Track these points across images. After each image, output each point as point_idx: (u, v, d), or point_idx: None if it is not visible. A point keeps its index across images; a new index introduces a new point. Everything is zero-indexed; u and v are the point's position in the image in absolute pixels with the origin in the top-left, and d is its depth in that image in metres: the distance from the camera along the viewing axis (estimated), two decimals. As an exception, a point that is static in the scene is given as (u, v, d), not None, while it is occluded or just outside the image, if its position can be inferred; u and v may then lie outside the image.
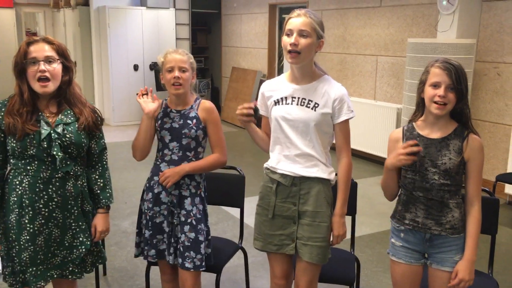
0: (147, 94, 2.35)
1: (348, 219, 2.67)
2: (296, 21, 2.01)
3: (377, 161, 6.18)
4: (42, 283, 2.05)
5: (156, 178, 2.36)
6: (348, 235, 2.71)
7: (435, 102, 1.91)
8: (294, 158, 2.12)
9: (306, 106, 2.08)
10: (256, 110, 2.09)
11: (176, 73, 2.27)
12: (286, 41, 2.02)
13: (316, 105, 2.07)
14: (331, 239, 2.13)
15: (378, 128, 6.07)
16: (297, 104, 2.10)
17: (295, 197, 2.12)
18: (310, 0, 7.30)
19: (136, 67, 8.53)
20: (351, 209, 2.63)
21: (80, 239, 2.11)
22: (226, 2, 9.48)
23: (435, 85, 1.92)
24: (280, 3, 8.03)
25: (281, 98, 2.13)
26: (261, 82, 2.37)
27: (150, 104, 2.31)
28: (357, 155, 6.54)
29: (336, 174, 2.17)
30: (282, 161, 2.15)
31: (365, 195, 5.01)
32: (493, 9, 4.95)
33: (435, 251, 2.00)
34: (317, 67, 2.15)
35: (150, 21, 8.55)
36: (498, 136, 5.03)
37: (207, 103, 2.40)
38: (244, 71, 8.90)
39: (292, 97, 2.11)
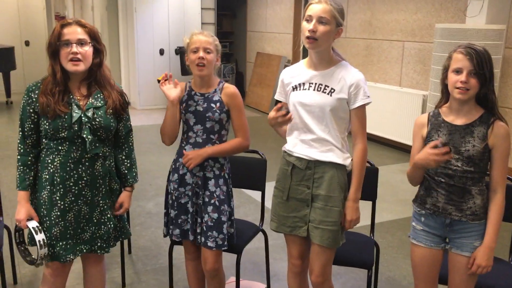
0: (167, 79, 2.38)
1: (368, 204, 2.69)
2: (316, 7, 2.02)
3: (402, 148, 6.13)
4: (71, 257, 2.14)
5: (181, 160, 2.41)
6: (368, 220, 2.75)
7: (458, 88, 1.90)
8: (310, 142, 2.14)
9: (323, 92, 2.10)
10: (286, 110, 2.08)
11: (201, 53, 2.30)
12: (305, 26, 2.03)
13: (332, 90, 2.08)
14: (345, 223, 2.15)
15: (403, 115, 6.01)
16: (314, 90, 2.11)
17: (309, 181, 2.15)
18: (337, -15, 7.20)
19: (162, 52, 8.61)
20: (371, 195, 2.65)
21: (108, 215, 2.20)
22: (252, -13, 9.45)
23: (457, 71, 1.91)
24: (306, -12, 7.96)
25: (299, 84, 2.15)
26: (286, 67, 2.38)
27: (173, 91, 2.34)
28: (382, 142, 6.50)
29: (352, 160, 2.18)
30: (298, 144, 2.17)
31: (388, 182, 4.99)
32: (525, -6, 4.82)
33: (455, 236, 2.01)
34: (335, 52, 2.15)
35: (175, 5, 8.60)
36: (526, 124, 4.93)
37: (231, 88, 2.42)
38: (268, 56, 8.89)
39: (310, 83, 2.13)
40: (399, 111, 6.05)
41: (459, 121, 1.98)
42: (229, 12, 10.31)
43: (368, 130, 7.00)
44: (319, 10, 2.01)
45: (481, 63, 1.88)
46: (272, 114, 2.10)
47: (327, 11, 2.01)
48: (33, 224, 2.08)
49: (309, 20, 2.03)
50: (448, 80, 1.96)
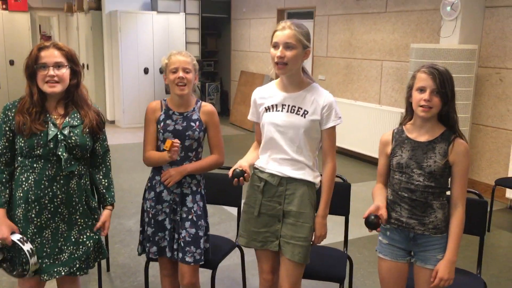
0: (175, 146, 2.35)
1: (341, 219, 2.76)
2: (281, 33, 2.10)
3: (381, 165, 6.23)
4: (45, 277, 2.13)
5: (157, 177, 2.46)
6: (342, 236, 2.81)
7: (421, 106, 1.99)
8: (282, 161, 2.21)
9: (296, 113, 2.17)
10: (236, 175, 2.12)
11: (181, 73, 2.37)
12: (273, 53, 2.11)
13: (306, 112, 2.16)
14: (313, 239, 2.22)
15: (382, 132, 6.09)
16: (287, 111, 2.18)
17: (281, 197, 2.21)
18: (317, 6, 7.39)
19: (146, 70, 8.69)
20: (344, 210, 2.72)
21: (87, 234, 2.21)
22: (236, 7, 9.61)
23: (421, 90, 2.00)
24: (288, 8, 8.13)
25: (272, 105, 2.22)
26: (257, 88, 2.45)
27: (177, 153, 2.35)
28: (362, 158, 6.61)
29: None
30: (270, 162, 2.24)
31: (368, 197, 5.05)
32: (496, 15, 5.00)
33: (419, 249, 2.08)
34: (305, 74, 2.23)
35: (160, 25, 8.71)
36: (500, 141, 5.06)
37: (208, 106, 2.50)
38: (252, 75, 9.01)
39: (283, 105, 2.20)
40: (379, 128, 6.17)
41: (422, 138, 2.07)
42: (214, 31, 10.45)
43: (349, 147, 7.10)
44: (284, 36, 2.09)
45: (443, 82, 1.97)
46: (234, 183, 2.13)
47: (292, 36, 2.09)
48: (17, 236, 2.07)
49: (276, 46, 2.11)
50: (412, 98, 2.05)
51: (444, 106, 2.01)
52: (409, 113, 2.13)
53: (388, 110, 6.10)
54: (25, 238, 2.09)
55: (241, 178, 2.11)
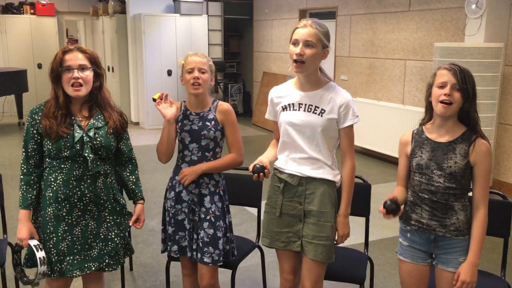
0: (163, 99, 2.45)
1: (362, 220, 2.75)
2: (302, 31, 2.10)
3: (405, 165, 6.15)
4: (78, 272, 2.20)
5: (177, 177, 2.49)
6: (362, 237, 2.79)
7: (441, 102, 1.96)
8: (301, 160, 2.21)
9: (313, 112, 2.17)
10: (256, 171, 2.12)
11: (196, 73, 2.40)
12: (293, 50, 2.11)
13: (323, 111, 2.16)
14: (336, 238, 2.21)
15: (406, 132, 6.05)
16: (304, 110, 2.18)
17: (301, 197, 2.21)
18: (339, 6, 7.35)
19: (169, 72, 8.79)
20: (364, 211, 2.70)
21: (115, 231, 2.28)
22: (258, 8, 9.64)
23: (441, 86, 1.98)
24: (310, 9, 8.10)
25: (289, 105, 2.22)
26: (274, 87, 2.47)
27: (169, 110, 2.43)
28: (385, 159, 6.54)
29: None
30: (289, 162, 2.24)
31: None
32: (523, 12, 4.89)
33: (441, 251, 2.05)
34: (323, 73, 2.22)
35: (183, 27, 8.80)
36: (528, 141, 4.94)
37: (224, 105, 2.51)
38: (274, 76, 9.01)
39: (299, 104, 2.20)
40: (402, 128, 6.10)
41: (441, 138, 2.04)
42: (236, 33, 10.50)
43: (372, 147, 7.05)
44: (305, 33, 2.09)
45: (464, 78, 1.95)
46: (254, 178, 2.13)
47: (313, 35, 2.09)
48: (34, 242, 2.14)
49: (295, 44, 2.11)
50: (432, 96, 2.03)
51: (465, 103, 1.97)
52: (429, 112, 2.10)
53: (411, 110, 6.02)
54: (41, 246, 2.14)
55: (261, 173, 2.11)
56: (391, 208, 2.01)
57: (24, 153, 2.22)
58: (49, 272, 2.18)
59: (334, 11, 7.49)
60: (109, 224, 2.26)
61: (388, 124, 6.32)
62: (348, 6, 7.19)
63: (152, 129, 8.74)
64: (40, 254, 2.11)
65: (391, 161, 6.40)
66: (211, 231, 2.42)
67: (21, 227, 2.17)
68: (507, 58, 5.02)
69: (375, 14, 6.72)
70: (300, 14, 8.23)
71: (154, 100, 2.45)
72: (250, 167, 2.14)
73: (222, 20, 9.63)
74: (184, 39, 8.83)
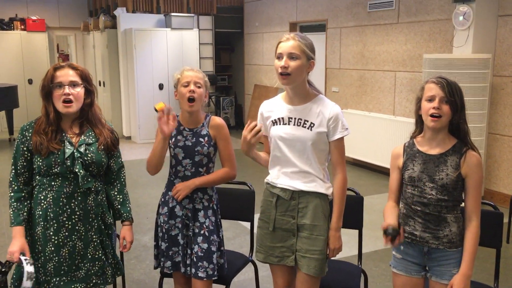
0: (164, 113, 2.35)
1: (355, 232, 2.74)
2: (286, 44, 2.11)
3: (397, 176, 6.17)
4: None
5: (170, 193, 2.48)
6: (356, 249, 2.79)
7: (431, 116, 1.98)
8: (292, 174, 2.21)
9: (303, 126, 2.17)
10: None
11: (192, 86, 2.40)
12: (277, 64, 2.13)
13: (312, 124, 2.16)
14: (328, 252, 2.20)
15: (398, 143, 6.05)
16: (294, 124, 2.19)
17: (294, 211, 2.21)
18: (329, 19, 7.42)
19: (161, 86, 8.80)
20: (357, 223, 2.70)
21: (101, 250, 2.25)
22: (248, 22, 9.70)
23: (430, 99, 1.99)
24: (300, 22, 8.17)
25: (279, 119, 2.23)
26: (264, 101, 2.47)
27: (170, 127, 2.34)
28: (377, 170, 6.56)
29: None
30: (281, 176, 2.24)
31: (381, 209, 5.00)
32: (509, 24, 4.96)
33: (434, 264, 2.05)
34: (311, 87, 2.23)
35: (174, 41, 8.83)
36: (518, 150, 4.99)
37: (217, 120, 2.51)
38: (266, 88, 9.05)
39: (289, 118, 2.20)
40: (394, 139, 6.14)
41: (433, 150, 2.05)
42: (227, 46, 10.55)
43: (364, 159, 7.06)
44: (289, 46, 2.11)
45: (451, 91, 1.97)
46: (245, 134, 2.12)
47: (296, 47, 2.10)
48: (25, 256, 2.09)
49: (280, 57, 2.13)
50: (421, 110, 2.04)
51: (454, 116, 1.99)
52: (419, 125, 2.12)
53: (402, 121, 6.06)
54: (32, 262, 2.09)
55: (258, 130, 2.10)
56: (394, 234, 1.98)
57: (13, 171, 2.20)
58: (47, 277, 2.13)
59: (324, 24, 7.56)
60: (95, 243, 2.23)
61: (379, 135, 6.36)
62: (337, 19, 7.26)
63: (144, 143, 8.71)
64: (29, 268, 2.04)
65: (383, 172, 6.42)
66: (205, 246, 2.41)
67: (14, 242, 2.12)
68: (495, 68, 5.09)
69: (364, 26, 6.79)
70: (290, 27, 8.30)
71: (156, 110, 2.35)
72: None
73: (213, 34, 9.68)
74: (175, 53, 8.85)
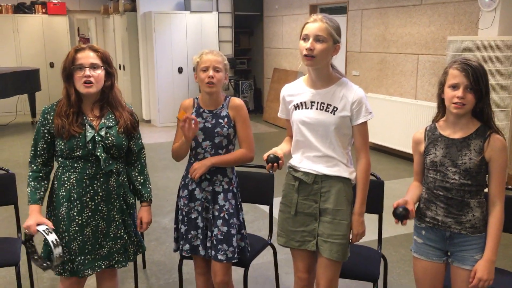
0: (186, 122, 2.33)
1: (375, 217, 2.72)
2: (313, 26, 2.07)
3: (418, 161, 6.10)
4: (89, 272, 2.22)
5: (190, 176, 2.49)
6: (376, 234, 2.77)
7: (454, 103, 1.93)
8: (315, 159, 2.19)
9: (326, 110, 2.14)
10: (270, 160, 2.13)
11: (211, 72, 2.38)
12: (303, 45, 2.08)
13: (335, 108, 2.13)
14: (351, 237, 2.19)
15: (419, 127, 5.97)
16: (317, 109, 2.16)
17: (317, 195, 2.19)
18: (350, 0, 7.29)
19: (180, 70, 8.80)
20: (377, 208, 2.67)
21: (124, 229, 2.30)
22: (268, 4, 9.60)
23: (454, 87, 1.94)
24: (320, 4, 8.05)
25: (301, 103, 2.20)
26: (286, 84, 2.45)
27: (191, 132, 2.33)
28: (398, 155, 6.49)
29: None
30: (304, 160, 2.22)
31: (402, 195, 4.95)
32: (538, 4, 4.80)
33: (456, 249, 2.02)
34: (334, 69, 2.19)
35: (193, 24, 8.80)
36: (544, 135, 4.86)
37: (236, 101, 2.50)
38: (285, 72, 8.98)
39: (312, 102, 2.17)
40: (415, 124, 6.04)
41: (455, 134, 2.01)
42: (246, 29, 10.47)
43: (384, 143, 6.98)
44: (315, 28, 2.06)
45: (477, 78, 1.90)
46: (268, 168, 2.15)
47: (323, 29, 2.06)
48: (43, 227, 2.12)
49: (306, 39, 2.08)
50: (444, 95, 1.99)
51: (479, 103, 1.94)
52: (442, 109, 2.07)
53: (424, 105, 5.96)
54: (50, 230, 2.11)
55: (275, 164, 2.11)
56: (402, 215, 1.98)
57: (32, 152, 2.24)
58: (66, 254, 2.17)
59: (345, 5, 7.43)
60: (117, 223, 2.27)
61: (400, 120, 6.27)
62: (359, 0, 7.13)
63: (164, 126, 8.76)
64: (51, 237, 2.08)
65: (404, 157, 6.34)
66: (224, 229, 2.42)
67: (30, 218, 2.15)
68: (522, 51, 4.93)
69: (386, 8, 6.65)
70: (310, 9, 8.18)
71: (178, 119, 2.37)
72: (265, 156, 2.14)
73: (232, 17, 9.61)
74: (194, 36, 8.83)
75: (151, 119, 9.17)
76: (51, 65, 10.36)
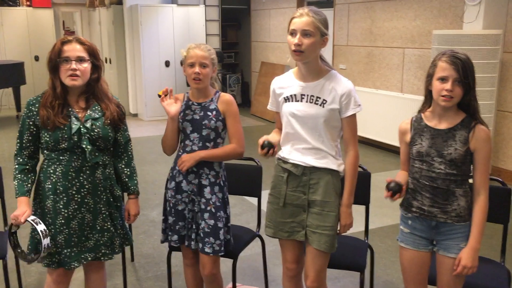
0: (167, 95, 2.44)
1: (362, 208, 2.75)
2: (299, 20, 2.07)
3: (404, 154, 6.16)
4: (76, 264, 2.22)
5: (178, 167, 2.49)
6: (362, 225, 2.80)
7: (443, 96, 1.96)
8: (304, 151, 2.21)
9: (315, 103, 2.15)
10: (266, 146, 2.19)
11: (197, 68, 2.38)
12: (290, 41, 2.09)
13: (324, 101, 2.14)
14: (339, 228, 2.22)
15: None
16: (307, 101, 2.17)
17: (305, 187, 2.21)
18: (337, -6, 7.31)
19: (167, 63, 8.76)
20: (364, 199, 2.71)
21: (110, 222, 2.29)
22: (255, -2, 9.59)
23: (443, 79, 1.96)
24: (308, -3, 8.07)
25: (291, 96, 2.21)
26: (275, 77, 2.47)
27: (173, 107, 2.41)
28: (384, 148, 6.55)
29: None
30: (293, 152, 2.24)
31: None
32: (522, -2, 4.87)
33: (442, 238, 2.06)
34: (323, 62, 2.20)
35: (180, 18, 8.75)
36: (527, 128, 4.95)
37: (226, 96, 2.51)
38: (272, 66, 8.99)
39: (302, 94, 2.18)
40: (401, 117, 6.08)
41: (441, 125, 2.04)
42: (234, 23, 10.44)
43: (371, 136, 7.04)
44: (302, 23, 2.06)
45: (465, 72, 1.93)
46: (259, 152, 2.19)
47: (310, 23, 2.06)
48: (32, 217, 2.12)
49: (293, 34, 2.09)
50: (432, 87, 2.02)
51: (466, 96, 1.97)
52: (429, 100, 2.09)
53: (410, 98, 6.02)
54: (38, 220, 2.12)
55: (271, 150, 2.15)
56: (396, 189, 2.01)
57: (18, 144, 2.22)
58: (53, 247, 2.17)
59: (332, 0, 7.46)
60: (104, 215, 2.27)
61: (387, 113, 6.32)
62: (346, -6, 7.15)
63: (151, 120, 8.73)
64: (40, 227, 2.08)
65: (390, 150, 6.41)
66: (212, 222, 2.43)
67: (18, 209, 2.15)
68: (506, 45, 5.01)
69: (373, 2, 6.68)
70: (298, 3, 8.19)
71: (159, 96, 2.43)
72: (260, 141, 2.17)
73: (220, 10, 9.57)
74: (181, 30, 8.78)
75: (138, 113, 9.12)
76: (36, 58, 10.23)
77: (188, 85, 2.50)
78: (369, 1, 6.75)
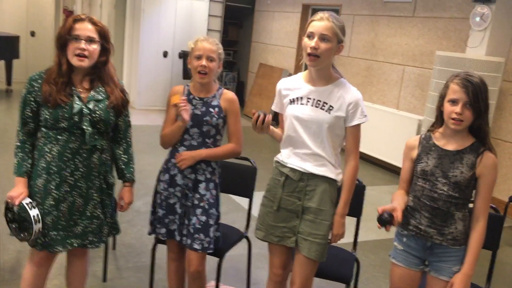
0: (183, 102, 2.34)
1: (353, 220, 2.73)
2: (318, 24, 2.04)
3: (394, 170, 6.18)
4: (60, 248, 2.15)
5: (173, 160, 2.44)
6: (352, 237, 2.78)
7: (452, 119, 1.94)
8: (304, 156, 2.17)
9: (321, 108, 2.13)
10: (261, 113, 2.13)
11: (204, 61, 2.34)
12: (307, 43, 2.06)
13: (331, 107, 2.12)
14: (330, 237, 2.19)
15: (398, 137, 6.07)
16: (312, 105, 2.14)
17: (301, 192, 2.18)
18: (344, 4, 7.31)
19: (165, 54, 8.68)
20: (357, 211, 2.69)
21: (101, 209, 2.23)
22: (260, -2, 9.56)
23: (453, 102, 1.94)
24: (313, 4, 8.06)
25: (297, 98, 2.18)
26: (283, 78, 2.44)
27: (188, 113, 2.34)
28: (375, 162, 6.55)
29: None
30: (292, 156, 2.20)
31: (377, 202, 5.01)
32: (526, 29, 4.91)
33: (435, 259, 2.04)
34: (334, 69, 2.18)
35: (183, 10, 8.68)
36: (517, 157, 4.99)
37: (229, 94, 2.47)
38: (271, 68, 8.96)
39: (308, 98, 2.15)
40: (394, 133, 6.12)
41: (450, 146, 2.02)
42: (236, 21, 10.40)
43: (363, 150, 7.01)
44: (321, 27, 2.04)
45: (476, 95, 1.91)
46: (253, 123, 2.14)
47: (329, 28, 2.03)
48: (26, 200, 2.08)
49: (311, 36, 2.06)
50: (443, 109, 1.99)
51: (477, 120, 1.95)
52: (439, 121, 2.07)
53: (405, 116, 6.03)
54: (34, 204, 2.09)
55: (266, 118, 2.09)
56: (386, 221, 1.97)
57: (20, 120, 2.16)
58: (45, 230, 2.12)
59: (338, 9, 7.46)
60: (95, 202, 2.21)
61: (380, 128, 6.33)
62: (352, 5, 7.16)
63: (142, 109, 8.63)
64: (34, 212, 2.05)
65: (380, 165, 6.42)
66: (203, 218, 2.39)
67: (15, 189, 2.11)
68: (506, 74, 5.05)
69: (378, 16, 6.70)
70: (303, 9, 8.18)
71: (175, 105, 2.33)
72: (254, 110, 2.12)
73: (223, 7, 9.52)
74: (183, 22, 8.71)
75: (130, 101, 9.01)
76: (32, 34, 10.05)
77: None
78: (375, 14, 6.76)
